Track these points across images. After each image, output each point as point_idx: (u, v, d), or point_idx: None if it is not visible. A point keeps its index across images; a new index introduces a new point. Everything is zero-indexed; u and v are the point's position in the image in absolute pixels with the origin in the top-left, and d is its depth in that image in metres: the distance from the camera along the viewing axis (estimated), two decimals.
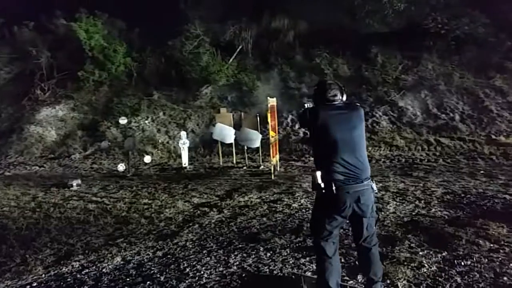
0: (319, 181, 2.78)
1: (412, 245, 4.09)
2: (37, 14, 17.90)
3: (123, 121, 10.97)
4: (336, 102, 2.95)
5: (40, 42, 17.36)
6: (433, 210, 5.35)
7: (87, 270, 4.22)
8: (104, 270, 4.18)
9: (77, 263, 4.48)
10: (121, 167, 10.65)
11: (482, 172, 7.70)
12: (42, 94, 17.01)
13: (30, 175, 11.45)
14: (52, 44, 17.71)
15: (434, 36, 13.74)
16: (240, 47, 16.15)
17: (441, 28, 13.47)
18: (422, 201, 5.81)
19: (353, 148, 2.82)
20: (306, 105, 3.65)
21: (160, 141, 13.75)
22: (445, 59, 13.71)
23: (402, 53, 14.16)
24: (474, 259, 3.61)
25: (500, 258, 3.59)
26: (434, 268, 3.50)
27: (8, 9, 17.93)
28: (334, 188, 2.73)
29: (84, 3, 16.66)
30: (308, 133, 3.08)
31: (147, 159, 11.40)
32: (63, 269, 4.34)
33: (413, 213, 5.25)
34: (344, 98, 3.00)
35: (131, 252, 4.67)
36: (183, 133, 11.29)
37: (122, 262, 4.36)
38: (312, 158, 10.12)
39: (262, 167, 10.03)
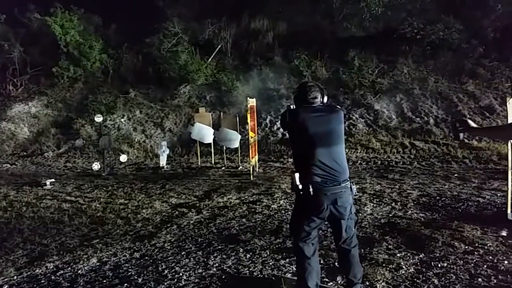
0: (297, 182, 2.80)
1: (389, 246, 4.15)
2: (10, 7, 17.35)
3: (98, 119, 10.73)
4: (315, 104, 2.96)
5: (13, 36, 16.84)
6: (410, 212, 5.45)
7: (62, 272, 4.11)
8: (79, 271, 4.08)
9: (51, 264, 4.35)
10: (96, 166, 10.44)
11: (456, 175, 7.91)
12: (15, 90, 16.52)
13: (1, 173, 11.08)
14: (26, 38, 17.21)
15: (410, 41, 14.02)
16: (219, 46, 16.09)
17: (416, 33, 13.76)
18: (399, 203, 5.92)
19: (330, 150, 2.83)
20: (292, 107, 3.66)
21: (136, 140, 13.54)
22: (420, 63, 14.03)
23: (379, 57, 14.41)
24: (450, 261, 3.70)
25: (474, 260, 3.68)
26: (411, 270, 3.56)
27: None
28: (311, 190, 2.75)
29: None
30: (287, 135, 3.09)
31: (123, 158, 11.21)
32: (37, 270, 4.21)
33: (390, 215, 5.34)
34: (325, 100, 3.02)
35: (107, 253, 4.57)
36: (164, 143, 11.14)
37: (98, 264, 4.26)
38: (291, 160, 10.19)
39: (241, 167, 10.01)
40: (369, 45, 14.58)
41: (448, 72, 13.52)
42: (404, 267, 3.62)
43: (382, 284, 3.31)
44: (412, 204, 5.88)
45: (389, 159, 10.02)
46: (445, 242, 4.17)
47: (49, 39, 16.34)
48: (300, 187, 2.78)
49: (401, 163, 9.57)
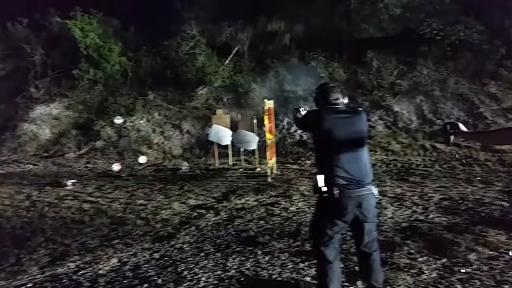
0: (321, 184, 2.76)
1: (411, 251, 4.08)
2: (31, 11, 17.75)
3: (118, 120, 10.89)
4: (339, 106, 2.94)
5: (34, 40, 17.19)
6: (431, 215, 5.35)
7: (83, 271, 4.18)
8: (100, 271, 4.14)
9: (73, 264, 4.44)
10: (116, 167, 10.57)
11: (478, 178, 7.74)
12: (36, 92, 16.84)
13: (23, 174, 11.32)
14: (47, 41, 17.54)
15: (430, 42, 13.79)
16: (236, 48, 16.12)
17: (436, 34, 13.52)
18: (420, 207, 5.82)
19: (356, 152, 2.81)
20: (301, 109, 3.64)
21: (155, 141, 13.67)
22: (440, 64, 13.78)
23: (398, 58, 14.20)
24: (474, 266, 3.61)
25: (500, 266, 3.59)
26: (434, 274, 3.49)
27: (2, 6, 17.76)
28: (336, 192, 2.71)
29: (79, 1, 16.53)
30: (311, 136, 3.05)
31: (142, 159, 11.32)
32: (59, 270, 4.29)
33: (411, 219, 5.26)
34: (346, 101, 3.00)
35: (127, 253, 4.63)
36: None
37: (118, 264, 4.32)
38: (308, 162, 10.11)
39: (258, 169, 10.00)
40: (388, 46, 14.40)
41: (469, 73, 13.25)
42: (426, 272, 3.56)
43: None
44: (433, 207, 5.77)
45: (409, 162, 9.86)
46: (468, 247, 4.08)
47: (70, 42, 16.61)
48: (324, 189, 2.75)
49: (422, 165, 9.41)
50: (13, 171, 11.84)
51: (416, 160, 9.97)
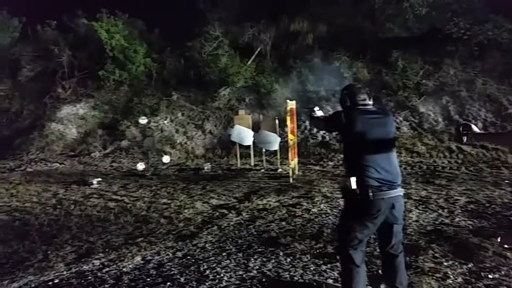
0: (354, 186, 2.73)
1: (436, 255, 4.00)
2: (59, 14, 18.25)
3: (143, 120, 11.07)
4: (368, 107, 2.92)
5: (62, 41, 17.65)
6: (457, 219, 5.23)
7: (107, 269, 4.25)
8: (124, 269, 4.20)
9: (98, 261, 4.52)
10: (140, 166, 10.75)
11: (506, 181, 7.51)
12: (64, 92, 17.29)
13: (51, 172, 11.64)
14: (74, 43, 18.00)
15: (456, 42, 13.49)
16: (258, 49, 16.14)
17: (463, 34, 13.22)
18: (446, 210, 5.69)
19: (387, 153, 2.80)
20: (315, 108, 3.61)
21: (178, 141, 13.83)
22: (467, 65, 13.46)
23: (423, 58, 13.94)
24: (502, 272, 3.51)
25: None
26: (459, 279, 3.41)
27: (31, 8, 18.34)
28: (370, 194, 2.69)
29: (105, 3, 16.91)
30: (341, 137, 3.02)
31: (166, 159, 11.48)
32: (84, 266, 4.38)
33: (437, 222, 5.15)
34: (371, 102, 2.97)
35: (151, 251, 4.69)
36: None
37: (142, 262, 4.38)
38: (331, 163, 10.01)
39: (280, 170, 9.99)
40: (413, 46, 14.16)
41: (497, 73, 12.88)
42: (451, 276, 3.48)
43: None
44: (459, 211, 5.64)
45: (435, 164, 9.66)
46: (495, 252, 3.96)
47: (96, 44, 17.00)
48: (357, 191, 2.73)
49: (447, 168, 9.20)
50: (41, 170, 12.19)
51: (442, 162, 9.76)
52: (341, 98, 3.04)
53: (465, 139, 2.57)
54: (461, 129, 2.59)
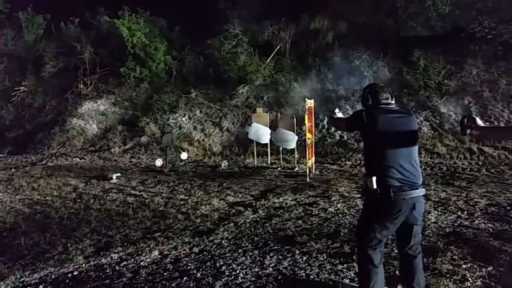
0: (375, 186, 2.72)
1: (454, 257, 3.94)
2: (82, 11, 18.61)
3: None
4: (391, 106, 2.89)
5: (84, 38, 17.99)
6: (477, 221, 5.13)
7: (125, 263, 4.31)
8: (142, 263, 4.26)
9: (116, 255, 4.59)
10: (158, 162, 10.88)
11: None
12: (85, 89, 17.62)
13: (71, 166, 11.87)
14: (96, 40, 18.33)
15: (480, 41, 13.17)
16: (278, 47, 16.12)
17: (487, 33, 12.90)
18: (465, 212, 5.59)
19: (409, 153, 2.77)
20: (336, 110, 3.61)
21: (196, 138, 13.94)
22: (490, 65, 13.14)
23: (445, 57, 13.68)
24: None
25: None
26: (478, 282, 3.35)
27: (55, 6, 18.72)
28: (392, 194, 2.67)
29: (127, 1, 17.15)
30: (362, 136, 2.99)
31: (184, 155, 11.58)
32: (103, 260, 4.45)
33: (456, 224, 5.06)
34: (393, 102, 2.94)
35: (168, 246, 4.75)
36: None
37: (159, 256, 4.43)
38: (348, 162, 9.94)
39: (297, 169, 9.96)
40: (435, 45, 13.91)
41: None
42: (470, 279, 3.42)
43: None
44: (479, 213, 5.52)
45: (455, 165, 9.49)
46: None
47: (117, 41, 17.28)
48: (378, 191, 2.71)
49: (468, 169, 9.03)
50: (61, 164, 12.44)
51: (462, 164, 9.58)
52: (363, 97, 3.01)
53: (468, 131, 2.59)
54: (465, 121, 2.59)
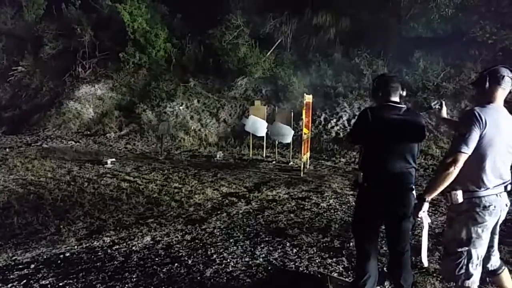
0: (361, 180, 2.87)
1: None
2: None
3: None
4: (396, 105, 2.91)
5: (85, 21, 17.80)
6: None
7: (117, 246, 4.36)
8: (134, 248, 4.31)
9: (108, 238, 4.63)
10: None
11: None
12: (83, 72, 17.48)
13: (66, 149, 11.84)
14: (96, 23, 18.14)
15: (480, 45, 13.21)
16: (279, 40, 16.08)
17: (488, 38, 12.95)
18: None
19: (400, 155, 2.83)
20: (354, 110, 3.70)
21: (192, 128, 13.93)
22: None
23: (445, 59, 13.72)
24: None
25: None
26: None
27: None
28: (377, 188, 2.83)
29: None
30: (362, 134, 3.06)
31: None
32: (95, 243, 4.49)
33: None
34: (404, 93, 3.03)
35: (160, 233, 4.80)
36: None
37: (151, 242, 4.48)
38: (343, 160, 9.95)
39: (291, 163, 10.01)
40: (436, 47, 13.92)
41: None
42: None
43: None
44: None
45: None
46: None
47: (118, 26, 17.10)
48: (365, 185, 2.85)
49: None
50: (56, 146, 12.40)
51: None
52: (373, 87, 3.07)
53: (431, 111, 3.15)
54: (432, 105, 3.28)
